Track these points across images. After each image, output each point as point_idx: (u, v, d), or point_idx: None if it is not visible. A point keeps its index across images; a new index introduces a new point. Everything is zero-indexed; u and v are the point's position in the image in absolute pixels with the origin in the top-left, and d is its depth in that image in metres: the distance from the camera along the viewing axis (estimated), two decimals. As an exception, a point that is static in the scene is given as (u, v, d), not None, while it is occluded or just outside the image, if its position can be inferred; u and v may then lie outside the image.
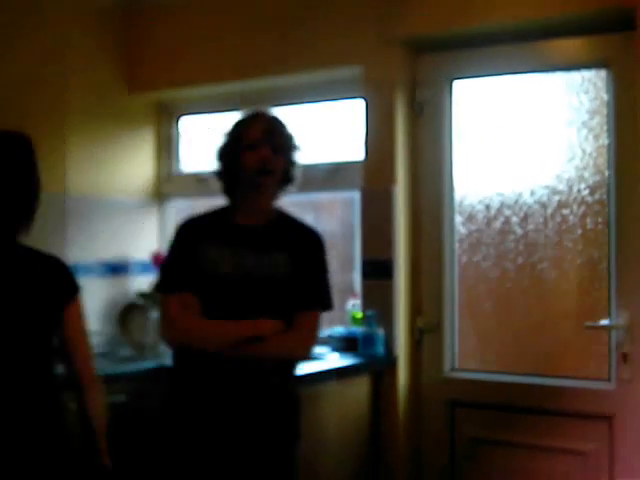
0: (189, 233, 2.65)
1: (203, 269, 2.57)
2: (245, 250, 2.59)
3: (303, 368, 2.87)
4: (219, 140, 2.70)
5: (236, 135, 2.64)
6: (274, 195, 2.68)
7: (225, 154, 2.67)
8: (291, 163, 2.67)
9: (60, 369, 2.36)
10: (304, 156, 2.75)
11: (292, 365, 2.69)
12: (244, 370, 2.55)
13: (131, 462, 3.30)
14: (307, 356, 2.70)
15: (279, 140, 2.62)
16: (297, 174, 2.70)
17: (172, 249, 2.67)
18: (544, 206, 3.41)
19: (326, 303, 2.68)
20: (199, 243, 2.60)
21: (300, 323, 2.58)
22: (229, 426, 2.56)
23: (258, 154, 2.57)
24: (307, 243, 2.67)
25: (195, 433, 2.58)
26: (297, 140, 2.71)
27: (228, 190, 2.69)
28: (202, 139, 4.30)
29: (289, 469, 2.63)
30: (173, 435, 2.66)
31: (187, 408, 2.61)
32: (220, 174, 2.69)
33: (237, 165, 2.61)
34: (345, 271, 3.81)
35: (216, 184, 2.73)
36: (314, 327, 2.63)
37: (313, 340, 2.65)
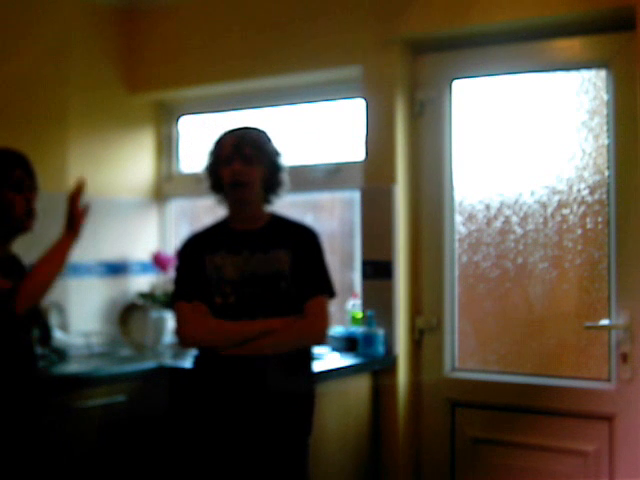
0: (193, 246, 2.84)
1: (209, 276, 2.74)
2: (246, 253, 2.75)
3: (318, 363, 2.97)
4: (205, 159, 2.89)
5: (214, 153, 2.83)
6: (260, 203, 2.83)
7: (209, 172, 2.86)
8: (273, 170, 2.81)
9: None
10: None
11: (307, 361, 2.80)
12: (260, 370, 2.67)
13: (131, 462, 3.30)
14: (321, 341, 2.82)
15: (250, 152, 2.75)
16: (284, 178, 2.85)
17: (179, 263, 2.87)
18: (544, 206, 3.41)
19: (330, 290, 2.82)
20: (203, 253, 2.78)
21: (309, 310, 2.73)
22: (241, 426, 2.69)
23: (230, 169, 2.75)
24: (303, 238, 2.82)
25: (209, 431, 2.72)
26: (275, 146, 2.84)
27: (221, 202, 2.88)
28: (202, 139, 4.30)
29: (300, 463, 2.75)
30: (185, 433, 2.81)
31: (202, 408, 2.74)
32: (211, 189, 2.88)
33: (219, 181, 2.81)
34: (345, 271, 3.81)
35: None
36: (323, 311, 2.77)
37: (325, 324, 2.77)
